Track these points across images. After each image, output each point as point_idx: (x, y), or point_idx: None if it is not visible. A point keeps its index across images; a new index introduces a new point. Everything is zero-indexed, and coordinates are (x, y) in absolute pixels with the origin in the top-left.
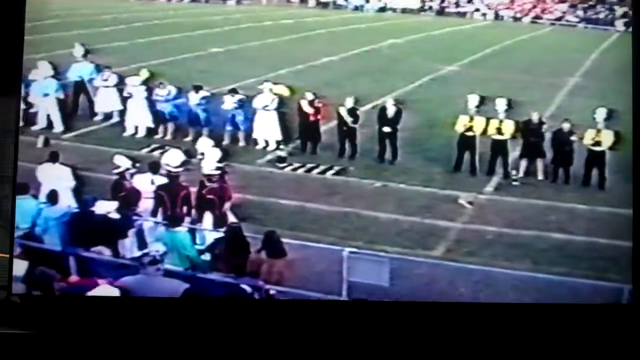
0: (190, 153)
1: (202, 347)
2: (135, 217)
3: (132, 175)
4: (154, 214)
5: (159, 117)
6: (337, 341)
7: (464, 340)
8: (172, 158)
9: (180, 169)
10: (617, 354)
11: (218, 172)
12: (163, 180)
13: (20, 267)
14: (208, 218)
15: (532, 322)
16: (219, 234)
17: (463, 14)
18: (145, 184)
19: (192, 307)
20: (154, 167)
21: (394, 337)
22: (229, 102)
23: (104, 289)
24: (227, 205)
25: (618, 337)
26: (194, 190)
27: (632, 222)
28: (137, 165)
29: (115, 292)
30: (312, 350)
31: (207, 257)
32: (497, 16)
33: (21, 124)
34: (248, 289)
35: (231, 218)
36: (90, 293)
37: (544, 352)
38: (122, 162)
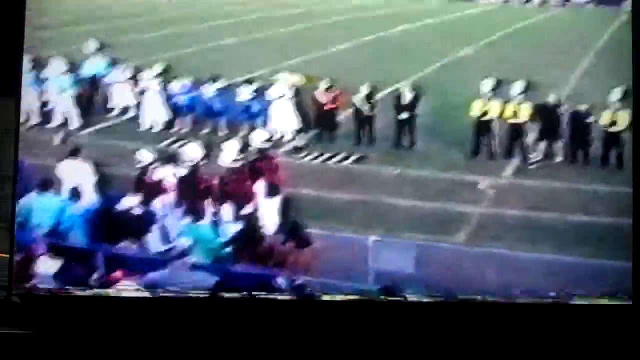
0: (210, 146)
1: (202, 347)
2: (158, 212)
3: (154, 169)
4: (176, 207)
5: (175, 110)
6: (345, 341)
7: (463, 340)
8: (192, 151)
9: (200, 162)
10: (617, 354)
11: (237, 164)
12: (184, 173)
13: (50, 265)
14: (229, 210)
15: (531, 322)
16: (240, 226)
17: None
18: (168, 177)
19: (193, 307)
20: (174, 160)
21: (403, 337)
22: (245, 93)
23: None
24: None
25: (618, 337)
26: (215, 182)
27: (632, 227)
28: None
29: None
30: (318, 350)
31: (230, 249)
32: None
33: (38, 120)
34: (278, 280)
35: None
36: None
37: (544, 352)
38: (145, 156)
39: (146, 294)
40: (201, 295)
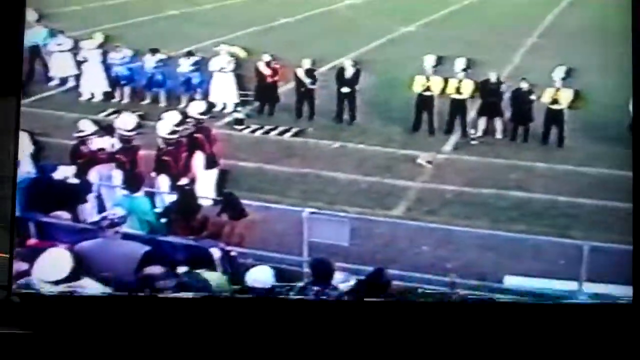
0: (145, 117)
1: (202, 347)
2: (94, 182)
3: (91, 139)
4: (112, 178)
5: (115, 81)
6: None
7: (461, 340)
8: (125, 121)
9: (133, 133)
10: (617, 354)
11: (175, 135)
12: (121, 143)
13: None
14: (165, 181)
15: (530, 321)
16: (175, 197)
17: None
18: (105, 147)
19: (193, 307)
20: (110, 131)
21: (388, 337)
22: (185, 65)
23: (57, 253)
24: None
25: (618, 337)
26: (151, 153)
27: (632, 222)
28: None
29: (67, 256)
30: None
31: (165, 220)
32: None
33: None
34: (211, 251)
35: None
36: (42, 256)
37: (543, 352)
38: (87, 126)
39: (145, 294)
40: (203, 296)
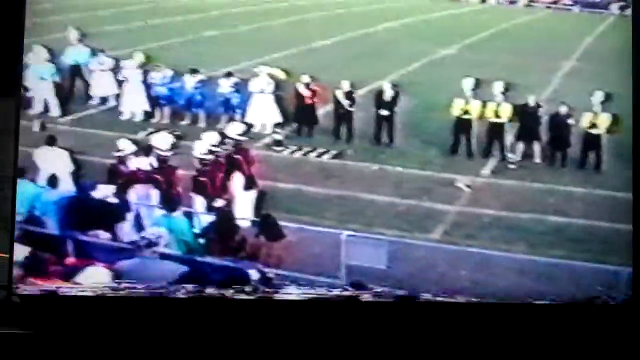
0: (183, 137)
1: (202, 347)
2: (132, 201)
3: (130, 159)
4: (151, 198)
5: (155, 101)
6: (334, 340)
7: (461, 340)
8: (161, 141)
9: (169, 152)
10: (617, 354)
11: (211, 156)
12: (159, 163)
13: (20, 252)
14: (202, 202)
15: (530, 321)
16: (212, 217)
17: None
18: (143, 167)
19: (193, 307)
20: (148, 150)
21: (394, 336)
22: (225, 86)
23: (96, 271)
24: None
25: (618, 337)
26: (189, 173)
27: (632, 215)
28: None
29: (105, 274)
30: (309, 350)
31: (203, 241)
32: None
33: None
34: (249, 272)
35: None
36: (82, 274)
37: (542, 351)
38: (126, 146)
39: (146, 295)
40: (205, 296)
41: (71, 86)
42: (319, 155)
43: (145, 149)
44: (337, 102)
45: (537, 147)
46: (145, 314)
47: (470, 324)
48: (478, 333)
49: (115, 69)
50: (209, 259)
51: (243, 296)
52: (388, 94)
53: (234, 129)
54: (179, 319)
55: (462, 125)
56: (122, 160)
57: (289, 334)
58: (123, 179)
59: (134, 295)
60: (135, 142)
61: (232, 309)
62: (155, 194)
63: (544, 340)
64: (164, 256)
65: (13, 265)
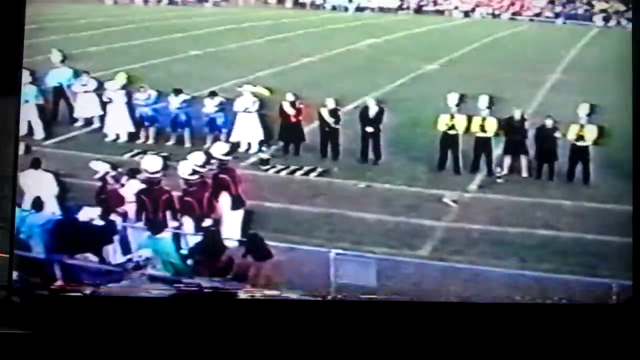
0: (170, 158)
1: (202, 347)
2: (119, 223)
3: (115, 179)
4: (137, 219)
5: (139, 122)
6: (327, 341)
7: (461, 340)
8: (150, 163)
9: (159, 174)
10: (617, 354)
11: (196, 176)
12: (145, 184)
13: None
14: (189, 222)
15: (529, 321)
16: (199, 238)
17: (441, 12)
18: (130, 188)
19: (193, 307)
20: (138, 172)
21: (386, 337)
22: (210, 105)
23: None
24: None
25: (618, 337)
26: (176, 194)
27: (632, 220)
28: (119, 170)
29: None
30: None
31: (191, 262)
32: (475, 13)
33: None
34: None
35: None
36: None
37: (542, 352)
38: (99, 167)
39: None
40: (206, 295)
41: (55, 108)
42: (306, 174)
43: (134, 171)
44: (323, 120)
45: (524, 161)
46: (145, 314)
47: (470, 324)
48: (478, 333)
49: (99, 90)
50: (197, 281)
51: (243, 296)
52: (373, 111)
53: (219, 149)
54: (179, 319)
55: (449, 141)
56: (106, 182)
57: (288, 334)
58: (109, 201)
59: (134, 295)
60: (108, 161)
61: (232, 309)
62: (141, 216)
63: (544, 340)
64: (152, 278)
65: (13, 265)
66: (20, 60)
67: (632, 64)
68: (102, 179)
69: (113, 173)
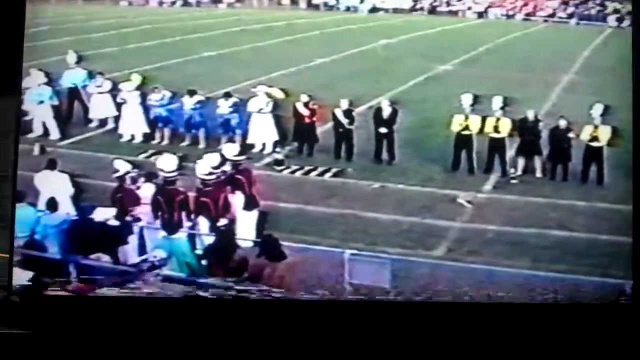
0: (185, 158)
1: (202, 347)
2: (134, 224)
3: (133, 180)
4: (152, 220)
5: (154, 123)
6: (335, 341)
7: (461, 340)
8: (166, 163)
9: (174, 174)
10: (617, 354)
11: (212, 177)
12: (160, 185)
13: (21, 276)
14: (204, 223)
15: (543, 321)
16: (214, 238)
17: (455, 13)
18: (146, 189)
19: (193, 307)
20: (150, 172)
21: (400, 338)
22: (224, 106)
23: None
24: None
25: (618, 337)
26: (191, 195)
27: (632, 221)
28: (139, 171)
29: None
30: (312, 351)
31: (206, 262)
32: (489, 14)
33: None
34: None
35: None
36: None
37: (543, 351)
38: (122, 166)
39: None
40: (208, 297)
41: (70, 109)
42: (320, 174)
43: (147, 171)
44: (337, 121)
45: (538, 162)
46: (145, 313)
47: (470, 324)
48: (478, 333)
49: (114, 91)
50: (212, 281)
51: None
52: (387, 112)
53: (230, 150)
54: (179, 319)
55: (463, 141)
56: (123, 182)
57: (302, 334)
58: (125, 201)
59: (134, 295)
60: (129, 161)
61: (232, 309)
62: (157, 216)
63: (544, 340)
64: (167, 279)
65: (13, 265)
66: (20, 61)
67: (632, 63)
68: (121, 178)
69: (133, 174)
